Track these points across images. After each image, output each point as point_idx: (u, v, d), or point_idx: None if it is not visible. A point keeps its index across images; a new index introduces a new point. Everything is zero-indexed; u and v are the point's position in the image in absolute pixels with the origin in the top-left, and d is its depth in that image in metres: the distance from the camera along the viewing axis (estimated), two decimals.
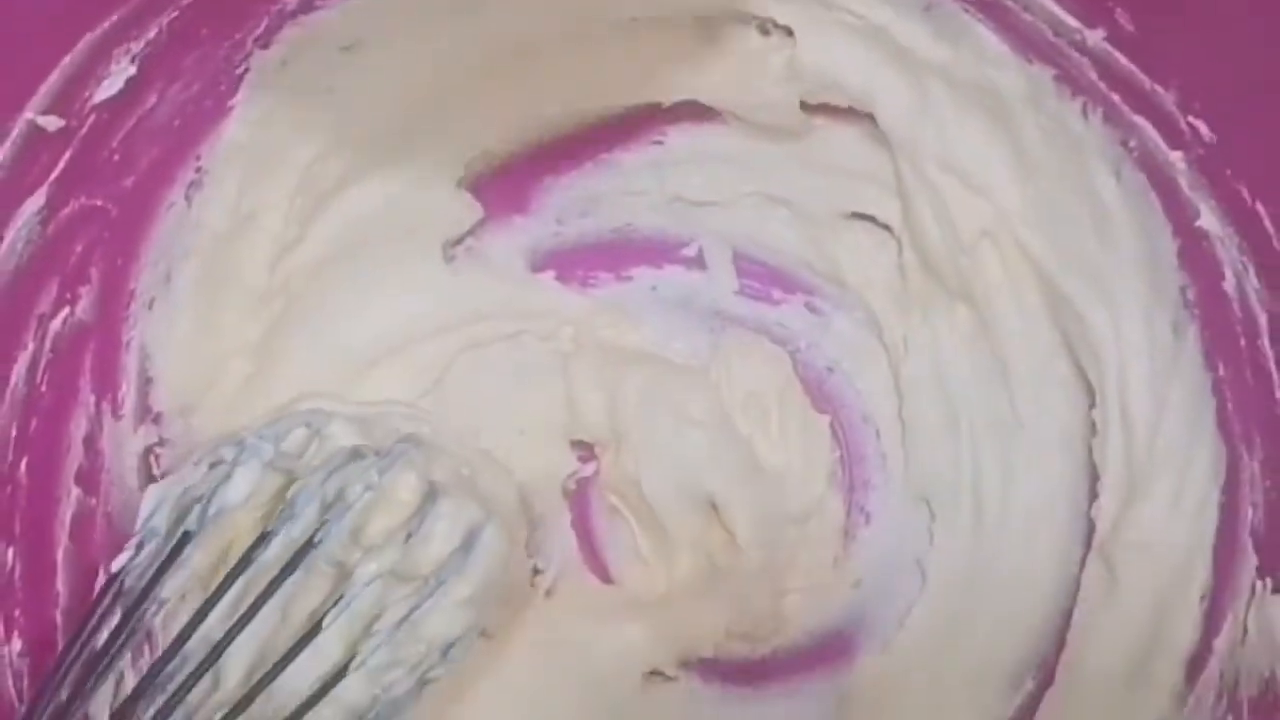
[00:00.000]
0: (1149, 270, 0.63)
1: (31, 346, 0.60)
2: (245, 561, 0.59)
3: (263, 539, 0.60)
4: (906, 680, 0.71)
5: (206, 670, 0.58)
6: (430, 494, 0.62)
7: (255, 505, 0.62)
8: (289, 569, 0.59)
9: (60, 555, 0.63)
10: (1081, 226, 0.65)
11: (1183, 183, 0.59)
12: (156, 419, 0.68)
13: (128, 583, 0.60)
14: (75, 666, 0.59)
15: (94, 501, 0.65)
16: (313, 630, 0.59)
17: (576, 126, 0.75)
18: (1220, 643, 0.60)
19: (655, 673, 0.73)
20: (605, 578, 0.75)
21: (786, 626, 0.74)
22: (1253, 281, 0.58)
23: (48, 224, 0.59)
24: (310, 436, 0.64)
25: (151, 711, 0.58)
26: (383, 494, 0.61)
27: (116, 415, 0.66)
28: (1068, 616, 0.68)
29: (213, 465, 0.63)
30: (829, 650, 0.74)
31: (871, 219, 0.74)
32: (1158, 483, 0.63)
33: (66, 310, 0.62)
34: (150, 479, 0.67)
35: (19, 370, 0.60)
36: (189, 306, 0.68)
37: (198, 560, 0.61)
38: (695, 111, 0.74)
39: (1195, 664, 0.61)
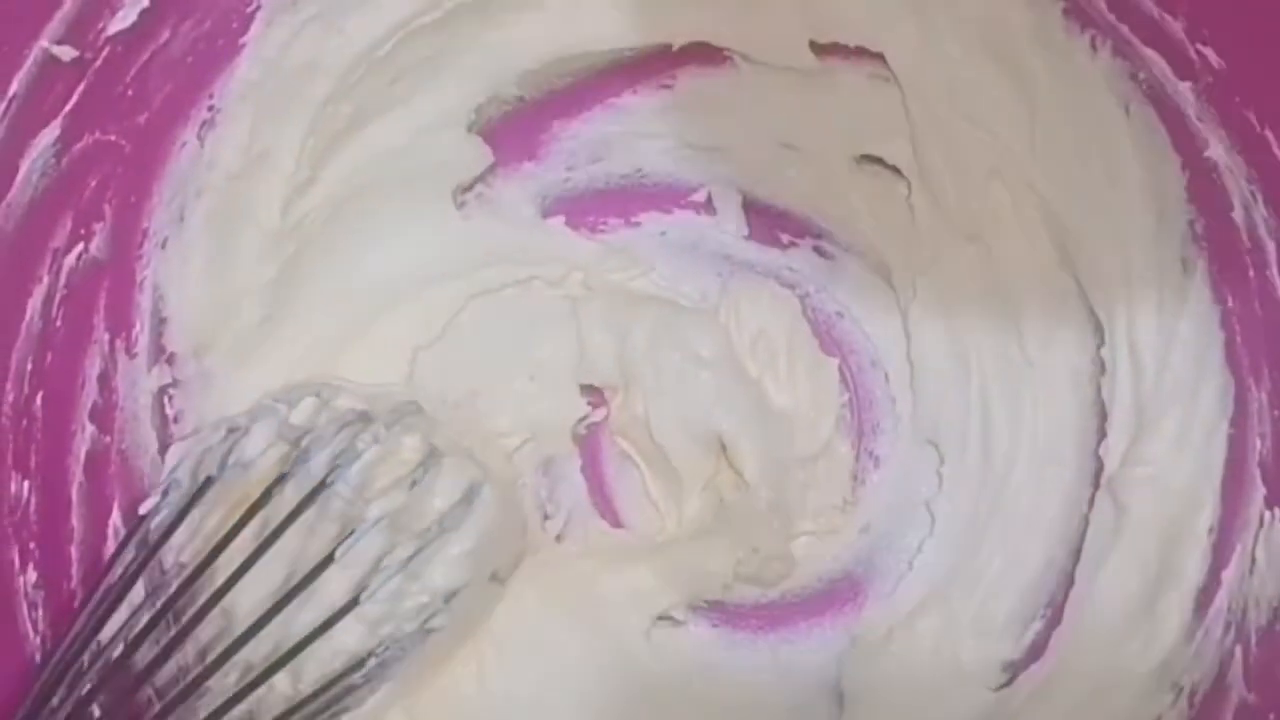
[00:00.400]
0: (1157, 205, 0.63)
1: (46, 280, 0.61)
2: (265, 497, 0.62)
3: (280, 480, 0.62)
4: (915, 624, 0.71)
5: (217, 603, 0.60)
6: (433, 453, 0.65)
7: (267, 466, 0.64)
8: (303, 506, 0.62)
9: (75, 491, 0.63)
10: (1090, 163, 0.65)
11: (1191, 113, 0.59)
12: (170, 359, 0.68)
13: (153, 524, 0.63)
14: (102, 602, 0.61)
15: (108, 440, 0.65)
16: (324, 562, 0.60)
17: (586, 70, 0.75)
18: (1229, 574, 0.61)
19: (664, 617, 0.73)
20: (615, 522, 0.76)
21: (795, 570, 0.74)
22: (1261, 210, 0.58)
23: (62, 157, 0.59)
24: (319, 407, 0.67)
25: (163, 643, 0.60)
26: (389, 450, 0.65)
27: (130, 354, 0.66)
28: (1076, 556, 0.68)
29: (230, 430, 0.65)
30: (838, 594, 0.74)
31: (880, 161, 0.73)
32: (1166, 417, 0.63)
33: (80, 246, 0.62)
34: (164, 419, 0.68)
35: (34, 304, 0.60)
36: (202, 247, 0.68)
37: (216, 506, 0.64)
38: (704, 54, 0.74)
39: (1204, 597, 0.62)
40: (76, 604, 0.62)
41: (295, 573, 0.62)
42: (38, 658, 0.60)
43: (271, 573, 0.62)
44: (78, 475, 0.63)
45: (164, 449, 0.67)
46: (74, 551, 0.62)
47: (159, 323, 0.67)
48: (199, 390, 0.69)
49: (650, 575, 0.72)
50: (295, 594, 0.60)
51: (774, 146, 0.76)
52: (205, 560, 0.61)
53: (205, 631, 0.63)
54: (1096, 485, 0.67)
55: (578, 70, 0.75)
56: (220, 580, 0.60)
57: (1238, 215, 0.59)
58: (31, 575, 0.60)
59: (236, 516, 0.63)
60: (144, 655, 0.60)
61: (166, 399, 0.68)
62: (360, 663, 0.62)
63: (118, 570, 0.62)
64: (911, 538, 0.73)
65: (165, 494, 0.63)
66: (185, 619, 0.60)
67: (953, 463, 0.73)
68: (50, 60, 0.57)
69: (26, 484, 0.60)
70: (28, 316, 0.60)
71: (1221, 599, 0.61)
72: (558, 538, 0.75)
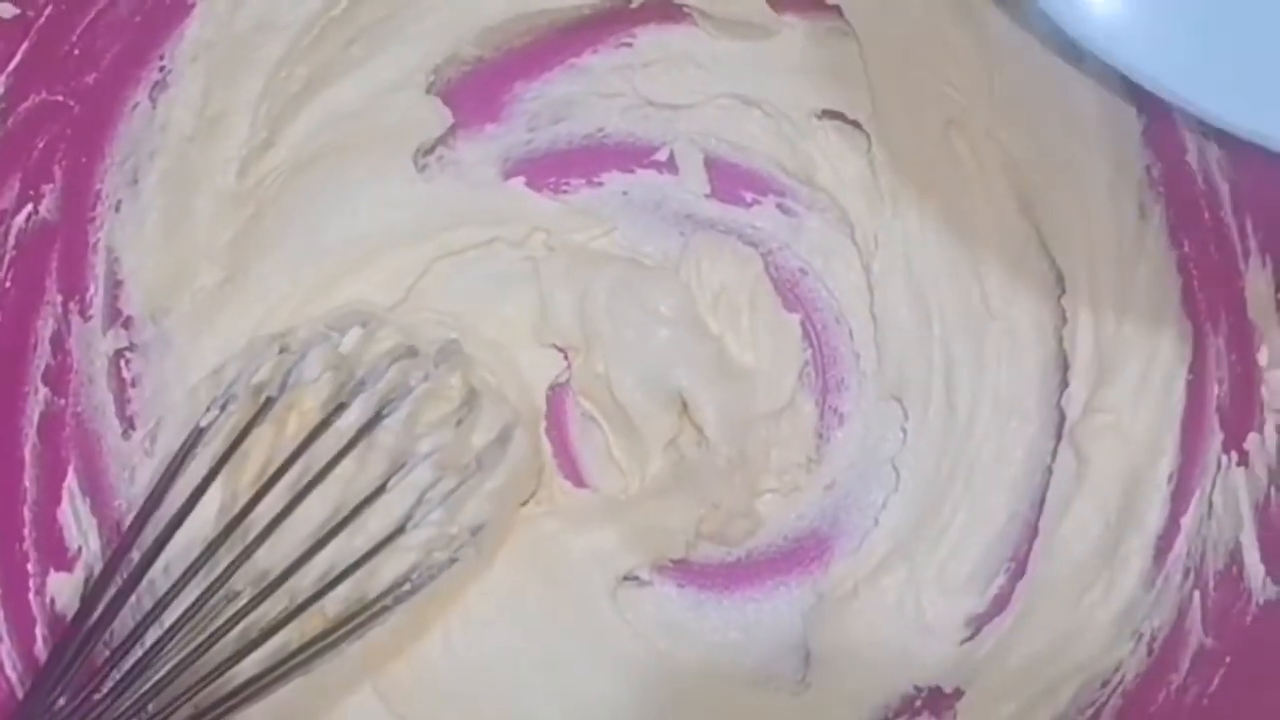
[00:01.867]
0: (1114, 152, 0.63)
1: None
2: (323, 425, 0.65)
3: (339, 408, 0.65)
4: (880, 580, 0.71)
5: (284, 519, 0.62)
6: (472, 393, 0.68)
7: (316, 393, 0.67)
8: (360, 435, 0.64)
9: (28, 452, 0.63)
10: (1048, 111, 0.65)
11: None
12: (126, 323, 0.68)
13: (208, 437, 0.65)
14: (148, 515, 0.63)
15: (63, 402, 0.65)
16: (377, 491, 0.63)
17: (545, 29, 0.74)
18: (1187, 520, 0.61)
19: (630, 577, 0.73)
20: (579, 482, 0.75)
21: (760, 528, 0.74)
22: (1214, 150, 0.58)
23: (7, 117, 0.59)
24: (365, 338, 0.68)
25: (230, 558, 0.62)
26: (436, 388, 0.68)
27: (85, 316, 0.66)
28: (1039, 508, 0.68)
29: (282, 350, 0.67)
30: (803, 552, 0.74)
31: (841, 116, 0.73)
32: (1126, 365, 0.64)
33: (30, 207, 0.62)
34: (120, 382, 0.68)
35: None
36: (157, 209, 0.67)
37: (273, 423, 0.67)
38: (663, 11, 0.73)
39: (1163, 544, 0.62)
40: (29, 565, 0.62)
41: (343, 503, 0.65)
42: None
43: (317, 505, 0.64)
44: (31, 437, 0.63)
45: (121, 413, 0.67)
46: (26, 513, 0.62)
47: (114, 285, 0.67)
48: (157, 353, 0.69)
49: (614, 535, 0.72)
50: (350, 520, 0.63)
51: (735, 104, 0.75)
52: (267, 484, 0.63)
53: (258, 562, 0.63)
54: (1059, 437, 0.67)
55: (537, 28, 0.74)
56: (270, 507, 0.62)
57: (1191, 157, 0.59)
58: None
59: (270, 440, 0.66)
60: (203, 578, 0.61)
61: (123, 362, 0.68)
62: (397, 585, 0.64)
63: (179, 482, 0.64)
64: (876, 494, 0.73)
65: (224, 407, 0.65)
66: (249, 540, 0.62)
67: (916, 418, 0.72)
68: None
69: None
70: None
71: (1180, 545, 0.61)
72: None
